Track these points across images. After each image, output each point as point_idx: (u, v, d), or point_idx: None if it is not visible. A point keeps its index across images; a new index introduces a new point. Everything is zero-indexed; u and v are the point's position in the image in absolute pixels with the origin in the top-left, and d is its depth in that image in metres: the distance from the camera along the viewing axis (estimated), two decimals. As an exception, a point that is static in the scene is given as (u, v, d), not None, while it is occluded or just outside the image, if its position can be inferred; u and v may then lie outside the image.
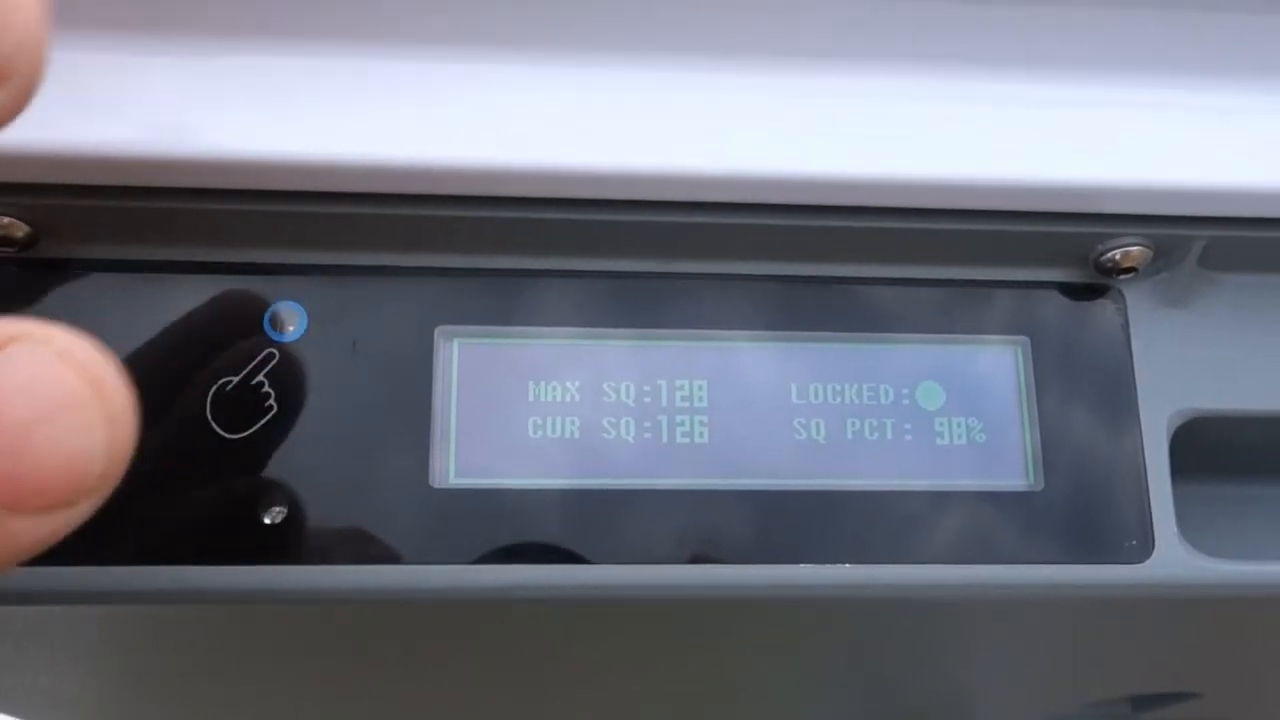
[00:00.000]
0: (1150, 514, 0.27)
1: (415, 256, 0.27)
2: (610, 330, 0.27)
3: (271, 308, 0.26)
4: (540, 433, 0.26)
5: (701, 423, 0.27)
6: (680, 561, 0.26)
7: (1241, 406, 0.29)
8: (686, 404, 0.27)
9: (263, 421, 0.25)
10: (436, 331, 0.27)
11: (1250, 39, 0.27)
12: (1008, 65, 0.27)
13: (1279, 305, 0.29)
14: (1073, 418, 0.28)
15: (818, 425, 0.27)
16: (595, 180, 0.25)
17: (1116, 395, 0.28)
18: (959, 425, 0.28)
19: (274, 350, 0.26)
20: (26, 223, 0.25)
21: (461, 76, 0.25)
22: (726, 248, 0.27)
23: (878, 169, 0.26)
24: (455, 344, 0.27)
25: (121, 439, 0.17)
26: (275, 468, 0.25)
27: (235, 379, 0.26)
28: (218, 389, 0.26)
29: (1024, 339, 0.28)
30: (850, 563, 0.26)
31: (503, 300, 0.27)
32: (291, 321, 0.26)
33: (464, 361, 0.27)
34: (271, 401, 0.26)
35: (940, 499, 0.27)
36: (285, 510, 0.25)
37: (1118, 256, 0.28)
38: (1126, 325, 0.28)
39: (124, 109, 0.24)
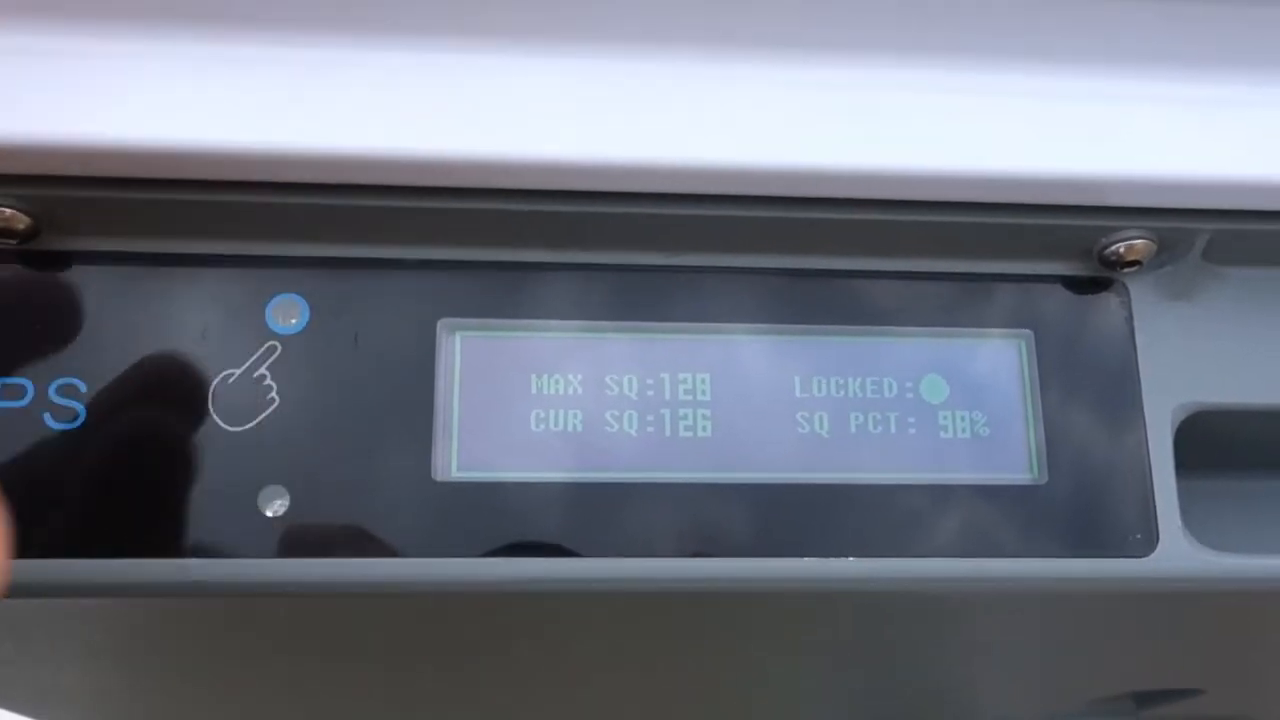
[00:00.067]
0: (1154, 508, 0.27)
1: (418, 249, 0.27)
2: (613, 323, 0.27)
3: (273, 300, 0.26)
4: (543, 426, 0.26)
5: (704, 416, 0.27)
6: (683, 555, 0.26)
7: (1246, 400, 0.28)
8: (689, 397, 0.27)
9: (265, 414, 0.25)
10: (439, 324, 0.26)
11: (1255, 31, 0.27)
12: (1012, 58, 0.27)
13: (1283, 299, 0.29)
14: (1076, 411, 0.28)
15: (821, 419, 0.27)
16: (598, 172, 0.25)
17: (1120, 389, 0.28)
18: (963, 419, 0.28)
19: (276, 343, 0.26)
20: (28, 215, 0.25)
21: (463, 68, 0.25)
22: (729, 241, 0.27)
23: (881, 162, 0.26)
24: (458, 337, 0.27)
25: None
26: (277, 460, 0.25)
27: (237, 371, 0.26)
28: (220, 381, 0.26)
29: (1028, 332, 0.28)
30: (853, 556, 0.26)
31: (505, 293, 0.27)
32: (294, 314, 0.26)
33: (466, 354, 0.26)
34: (274, 394, 0.26)
35: (944, 493, 0.27)
36: (287, 503, 0.25)
37: (1122, 250, 0.28)
38: (1130, 319, 0.28)
39: (127, 101, 0.24)
